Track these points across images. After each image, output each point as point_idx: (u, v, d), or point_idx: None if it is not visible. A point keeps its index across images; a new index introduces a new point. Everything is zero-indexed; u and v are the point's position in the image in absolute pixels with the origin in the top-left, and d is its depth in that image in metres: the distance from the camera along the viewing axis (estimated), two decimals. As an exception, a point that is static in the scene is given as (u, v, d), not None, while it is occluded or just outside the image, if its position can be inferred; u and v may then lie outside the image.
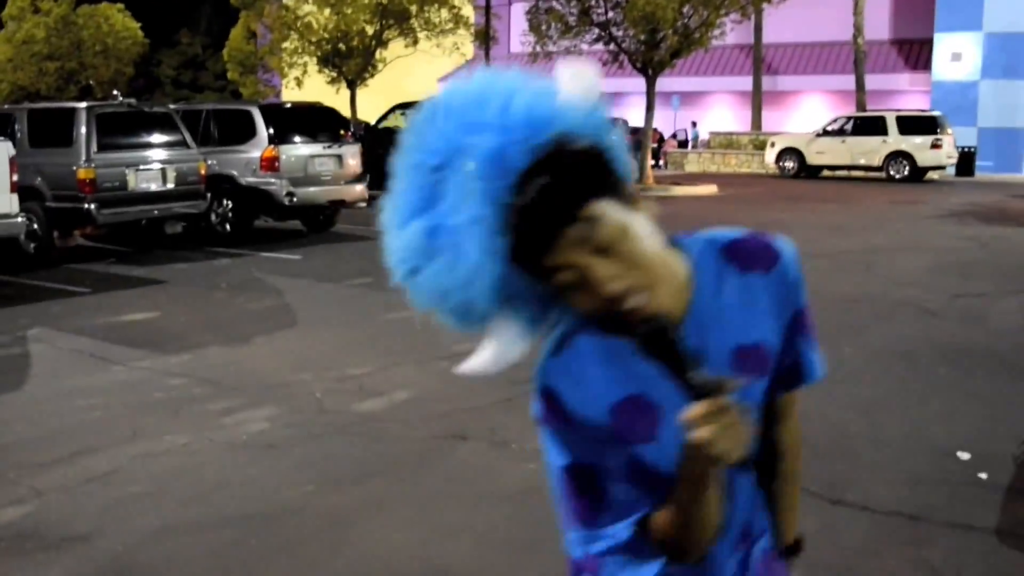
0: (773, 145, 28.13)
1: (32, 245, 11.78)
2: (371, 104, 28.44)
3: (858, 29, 30.02)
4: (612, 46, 23.32)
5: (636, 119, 29.39)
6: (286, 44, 28.37)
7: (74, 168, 11.72)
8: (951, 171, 27.09)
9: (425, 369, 6.70)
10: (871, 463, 4.85)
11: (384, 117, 21.19)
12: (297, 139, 14.11)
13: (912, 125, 25.54)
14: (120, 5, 38.32)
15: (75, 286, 10.24)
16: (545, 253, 1.21)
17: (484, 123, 1.22)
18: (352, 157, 14.70)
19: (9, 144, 10.39)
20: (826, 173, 27.36)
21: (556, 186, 1.20)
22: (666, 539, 1.33)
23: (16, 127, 12.31)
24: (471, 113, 1.23)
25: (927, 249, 12.44)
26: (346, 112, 23.79)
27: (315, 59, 28.33)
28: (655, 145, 30.61)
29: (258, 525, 4.21)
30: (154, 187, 12.47)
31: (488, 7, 28.17)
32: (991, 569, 3.78)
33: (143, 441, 5.29)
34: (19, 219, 10.36)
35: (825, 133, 26.94)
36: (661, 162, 33.50)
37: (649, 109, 23.94)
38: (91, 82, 37.09)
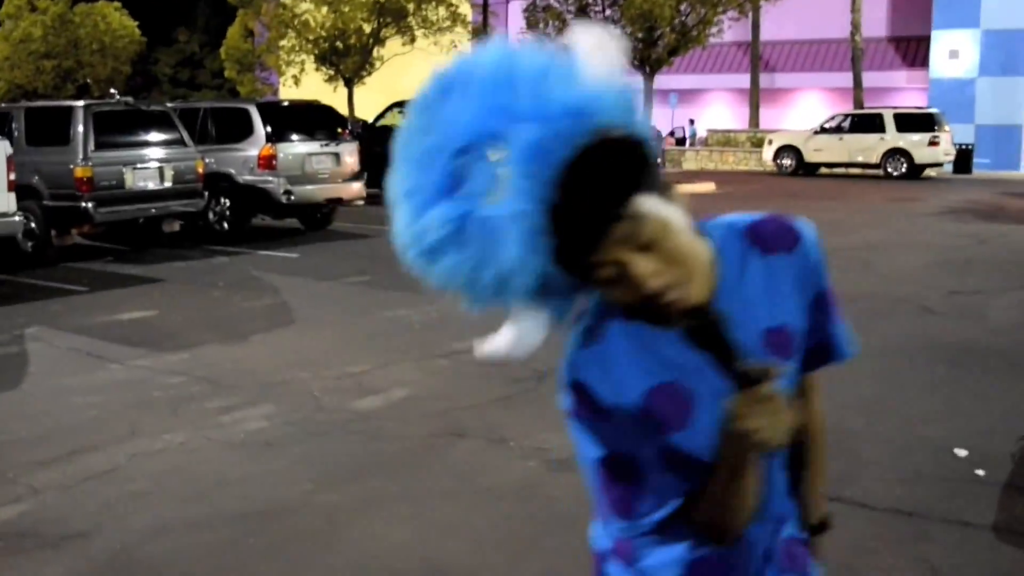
0: (771, 143, 28.10)
1: (30, 244, 11.76)
2: (369, 102, 28.40)
3: (855, 26, 30.01)
4: (610, 44, 23.30)
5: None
6: (283, 42, 28.37)
7: (71, 167, 11.70)
8: (948, 168, 27.09)
9: (423, 367, 6.70)
10: (869, 460, 4.86)
11: (382, 115, 21.17)
12: (295, 137, 14.10)
13: (910, 122, 25.54)
14: (117, 3, 38.32)
15: (73, 285, 10.22)
16: (589, 252, 1.19)
17: (519, 110, 1.17)
18: (350, 155, 14.69)
19: (6, 143, 10.38)
20: (824, 170, 27.35)
21: (602, 183, 1.17)
22: (704, 522, 1.35)
23: (13, 126, 12.29)
24: (500, 95, 1.18)
25: (925, 246, 12.44)
26: (343, 110, 23.79)
27: (312, 57, 28.32)
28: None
29: (256, 523, 4.21)
30: (152, 185, 12.46)
31: (485, 5, 28.13)
32: (989, 566, 3.79)
33: (141, 439, 5.29)
34: (17, 218, 10.35)
35: (823, 130, 26.93)
36: (659, 160, 33.45)
37: (647, 107, 23.97)
38: (88, 80, 37.09)
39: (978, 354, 6.91)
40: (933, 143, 25.20)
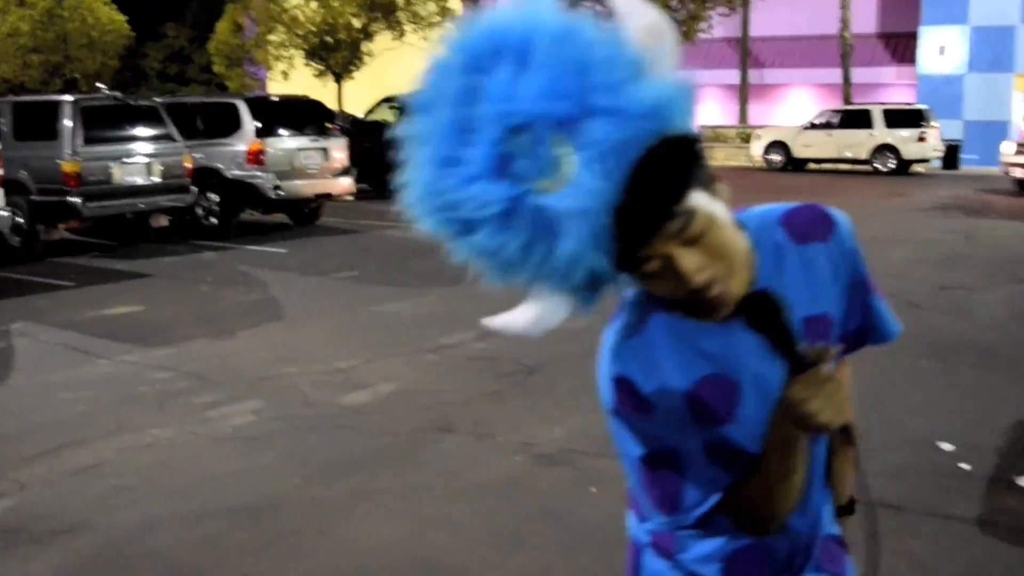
0: (760, 138, 28.17)
1: (17, 239, 11.71)
2: (358, 97, 28.34)
3: (845, 23, 30.09)
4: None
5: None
6: (272, 37, 28.28)
7: (59, 161, 11.67)
8: (937, 164, 27.18)
9: (411, 362, 6.70)
10: (854, 454, 4.87)
11: (372, 111, 21.13)
12: (283, 132, 14.07)
13: (898, 118, 25.61)
14: (105, -2, 38.09)
15: (60, 280, 10.19)
16: (640, 247, 1.17)
17: (594, 102, 1.09)
18: (339, 150, 14.66)
19: (-7, 137, 10.35)
20: (812, 166, 27.41)
21: (665, 184, 1.14)
22: (749, 511, 1.35)
23: (1, 120, 12.25)
24: (569, 78, 1.10)
25: (912, 242, 12.49)
26: (333, 105, 23.73)
27: (301, 52, 28.24)
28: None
29: (243, 518, 4.21)
30: (140, 180, 12.42)
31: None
32: (973, 559, 3.81)
33: (128, 434, 5.28)
34: (4, 212, 10.31)
35: (812, 126, 26.98)
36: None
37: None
38: (76, 75, 36.89)
39: (964, 349, 6.94)
40: (921, 139, 25.28)
